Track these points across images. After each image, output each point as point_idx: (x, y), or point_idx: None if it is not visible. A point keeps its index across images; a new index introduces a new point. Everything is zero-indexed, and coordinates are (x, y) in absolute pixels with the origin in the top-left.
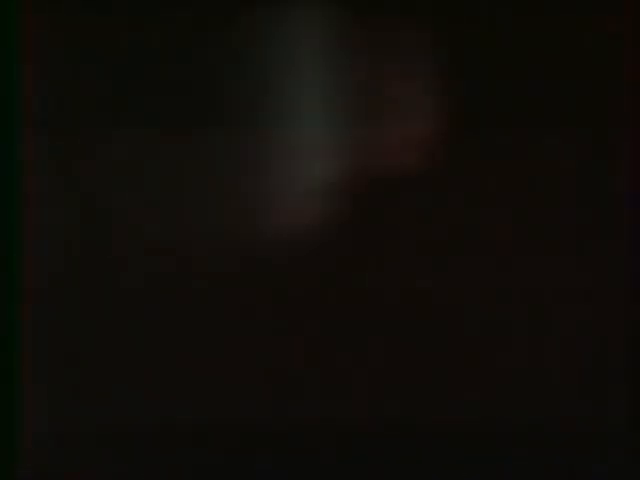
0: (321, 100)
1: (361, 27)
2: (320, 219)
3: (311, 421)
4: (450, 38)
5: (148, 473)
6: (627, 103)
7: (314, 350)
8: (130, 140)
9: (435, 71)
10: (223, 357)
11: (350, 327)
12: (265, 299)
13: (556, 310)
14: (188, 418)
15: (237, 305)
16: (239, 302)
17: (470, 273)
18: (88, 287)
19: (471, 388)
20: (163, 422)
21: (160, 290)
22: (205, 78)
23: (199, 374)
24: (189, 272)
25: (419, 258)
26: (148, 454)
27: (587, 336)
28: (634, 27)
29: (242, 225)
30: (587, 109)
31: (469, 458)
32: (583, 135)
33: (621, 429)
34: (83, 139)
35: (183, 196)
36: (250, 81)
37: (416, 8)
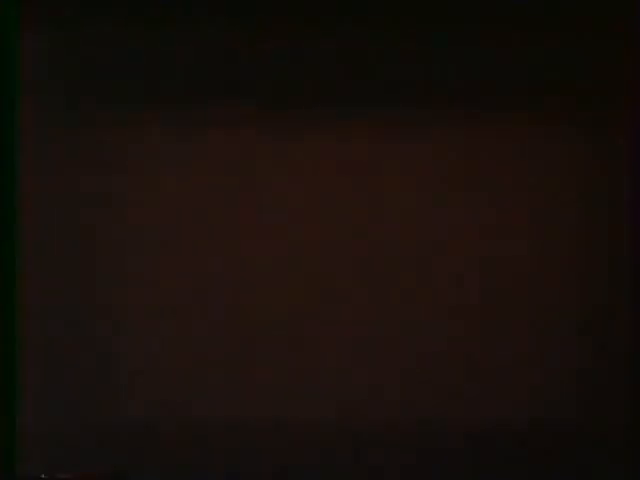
0: None
1: None
2: None
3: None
4: None
5: (146, 472)
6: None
7: None
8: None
9: None
10: None
11: None
12: None
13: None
14: None
15: None
16: None
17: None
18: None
19: (472, 387)
20: (159, 420)
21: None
22: None
23: None
24: None
25: None
26: (146, 453)
27: (587, 336)
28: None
29: None
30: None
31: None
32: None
33: (621, 429)
34: None
35: None
36: None
37: None
